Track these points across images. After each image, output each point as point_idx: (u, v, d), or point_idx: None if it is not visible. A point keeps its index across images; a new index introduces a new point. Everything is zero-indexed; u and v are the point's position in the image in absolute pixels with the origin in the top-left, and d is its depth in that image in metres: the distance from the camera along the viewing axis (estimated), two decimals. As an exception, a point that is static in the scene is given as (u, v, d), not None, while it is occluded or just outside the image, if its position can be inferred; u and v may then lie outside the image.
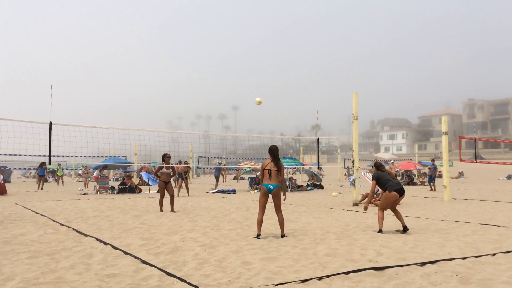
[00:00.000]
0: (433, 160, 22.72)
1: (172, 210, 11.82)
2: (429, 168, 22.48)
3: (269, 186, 7.49)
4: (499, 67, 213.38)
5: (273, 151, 7.67)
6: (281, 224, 7.67)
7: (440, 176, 32.02)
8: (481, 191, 21.23)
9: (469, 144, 74.42)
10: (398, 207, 8.66)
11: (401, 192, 8.03)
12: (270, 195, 7.55)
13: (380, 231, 8.02)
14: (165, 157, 12.32)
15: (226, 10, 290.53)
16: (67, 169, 40.87)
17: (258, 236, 7.50)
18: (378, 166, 8.64)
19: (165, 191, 11.99)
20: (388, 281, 4.70)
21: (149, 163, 33.56)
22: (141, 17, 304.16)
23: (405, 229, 8.00)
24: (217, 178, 24.34)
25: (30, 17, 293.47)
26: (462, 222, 9.56)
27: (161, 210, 11.89)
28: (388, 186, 8.08)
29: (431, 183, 21.21)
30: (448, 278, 4.79)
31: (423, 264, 5.43)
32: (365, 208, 8.76)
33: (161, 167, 12.27)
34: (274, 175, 7.53)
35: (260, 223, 7.58)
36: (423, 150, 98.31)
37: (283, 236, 7.51)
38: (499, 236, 7.62)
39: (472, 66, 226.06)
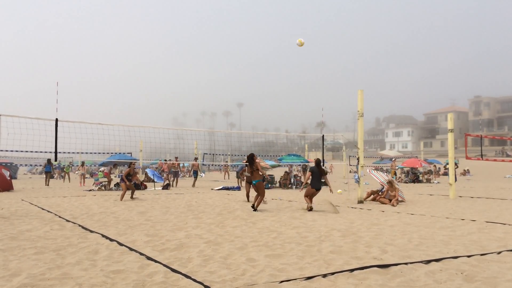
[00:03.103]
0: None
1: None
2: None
3: (253, 182, 11.93)
4: (506, 64, 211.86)
5: (248, 159, 12.01)
6: (258, 202, 11.44)
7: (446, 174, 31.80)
8: (487, 189, 21.13)
9: (475, 142, 74.13)
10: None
11: (317, 189, 11.53)
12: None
13: (310, 209, 11.21)
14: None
15: (232, 7, 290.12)
16: (72, 165, 41.01)
17: (253, 205, 11.50)
18: (317, 163, 11.83)
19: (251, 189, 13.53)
20: (393, 278, 4.70)
21: (170, 160, 33.75)
22: (145, 14, 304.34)
23: (311, 209, 11.21)
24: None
25: (35, 13, 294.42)
26: (467, 220, 9.53)
27: (248, 200, 13.77)
28: (311, 182, 11.61)
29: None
30: (453, 276, 4.78)
31: (428, 262, 5.42)
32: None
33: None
34: (256, 174, 11.77)
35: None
36: (429, 147, 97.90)
37: (255, 210, 11.28)
38: (505, 234, 7.60)
39: (478, 63, 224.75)
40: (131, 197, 15.10)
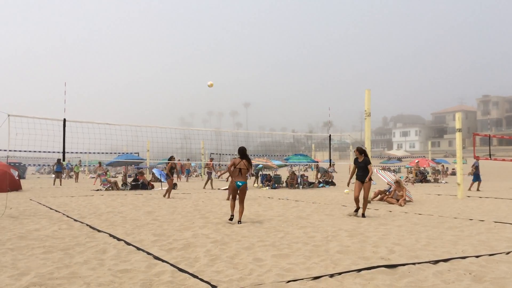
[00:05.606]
0: (477, 158, 19.85)
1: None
2: (475, 166, 20.47)
3: (238, 183, 8.86)
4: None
5: (243, 152, 8.99)
6: (240, 212, 8.88)
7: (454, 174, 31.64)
8: (495, 188, 20.96)
9: (484, 141, 73.53)
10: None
11: (362, 181, 10.18)
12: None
13: (358, 210, 10.16)
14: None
15: (237, 6, 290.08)
16: (81, 165, 41.27)
17: (231, 217, 8.89)
18: (360, 152, 10.32)
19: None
20: (401, 279, 4.67)
21: (189, 160, 34.05)
22: (152, 15, 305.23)
23: (363, 215, 9.95)
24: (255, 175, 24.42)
25: (40, 14, 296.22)
26: (476, 220, 9.47)
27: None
28: (357, 175, 10.35)
29: (478, 182, 19.65)
30: (461, 277, 4.75)
31: (436, 262, 5.39)
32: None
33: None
34: (244, 173, 8.89)
35: (232, 207, 8.98)
36: (437, 147, 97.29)
37: (239, 222, 8.75)
38: (514, 234, 7.53)
39: (487, 63, 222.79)
40: (168, 196, 15.55)
